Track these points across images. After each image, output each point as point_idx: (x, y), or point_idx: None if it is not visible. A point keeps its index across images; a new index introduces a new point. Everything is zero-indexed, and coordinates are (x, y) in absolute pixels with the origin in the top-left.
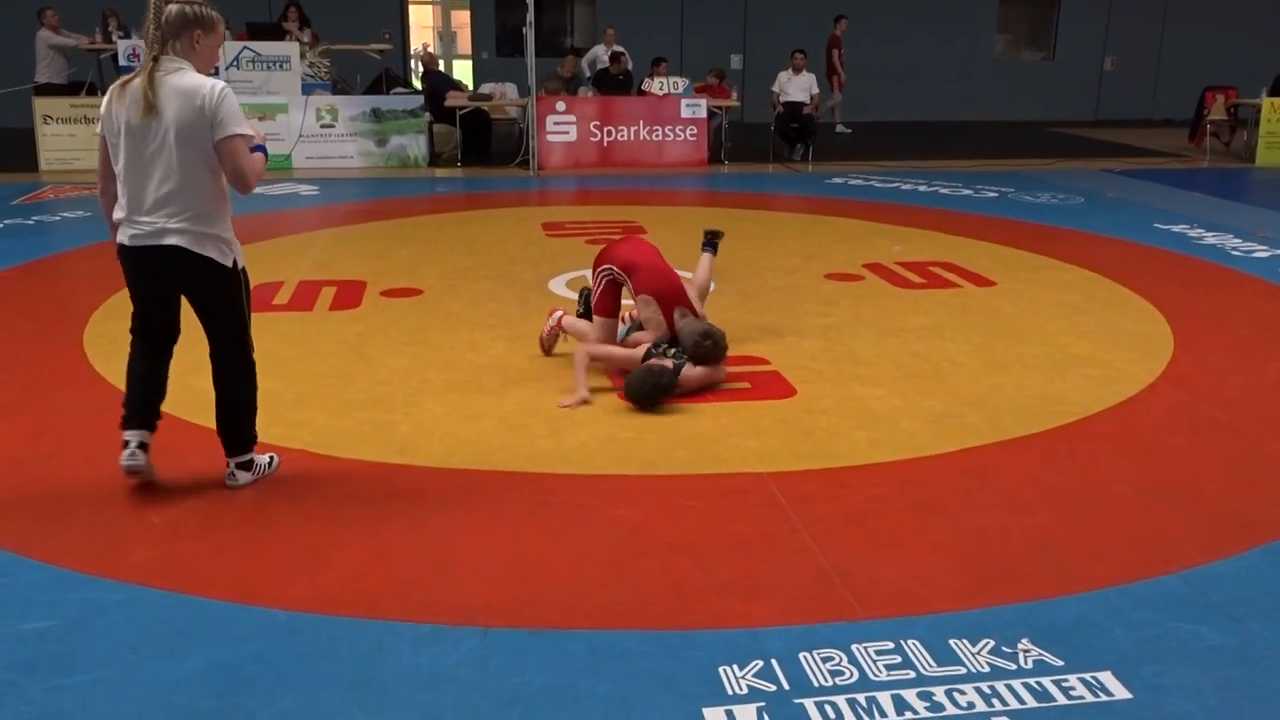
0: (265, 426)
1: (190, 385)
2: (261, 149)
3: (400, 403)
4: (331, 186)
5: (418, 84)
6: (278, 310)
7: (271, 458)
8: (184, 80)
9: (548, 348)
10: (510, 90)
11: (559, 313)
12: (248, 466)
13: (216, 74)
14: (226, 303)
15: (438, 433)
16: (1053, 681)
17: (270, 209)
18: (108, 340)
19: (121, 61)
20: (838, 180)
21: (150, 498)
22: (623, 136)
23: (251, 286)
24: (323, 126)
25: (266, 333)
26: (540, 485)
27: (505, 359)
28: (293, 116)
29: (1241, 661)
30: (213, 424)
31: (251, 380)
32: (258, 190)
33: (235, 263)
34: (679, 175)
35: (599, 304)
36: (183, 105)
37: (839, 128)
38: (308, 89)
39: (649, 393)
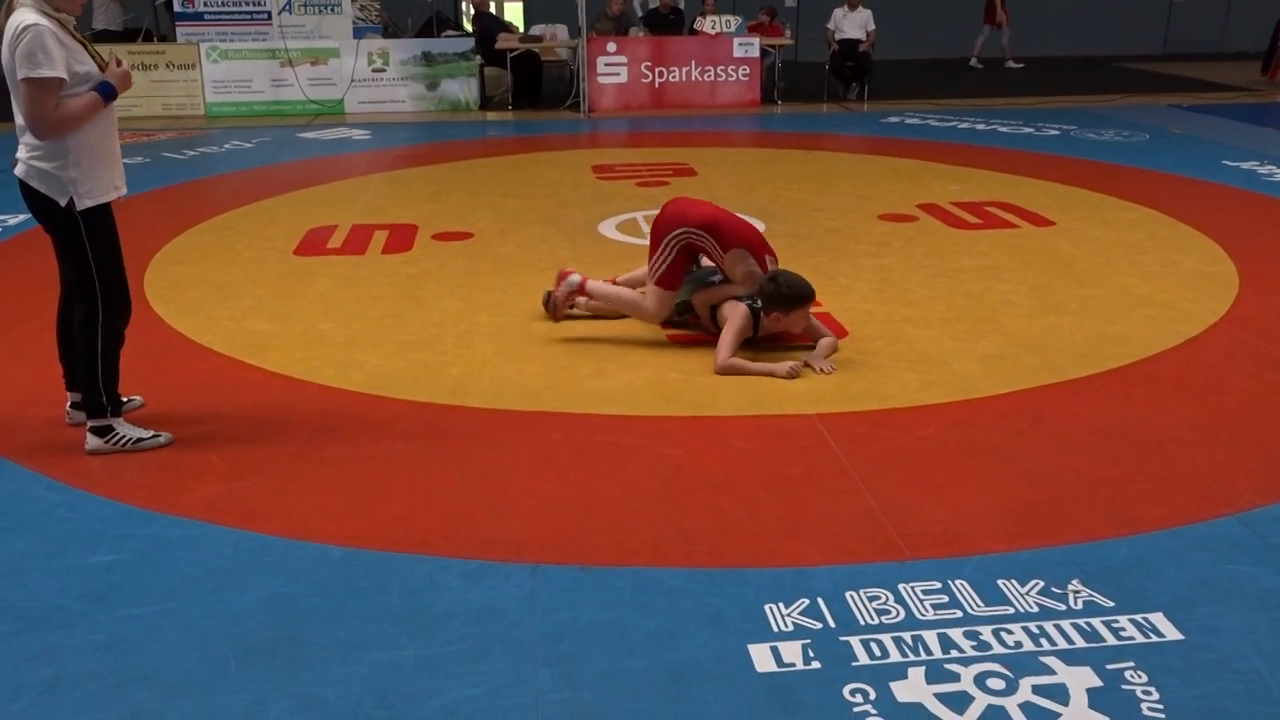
0: (319, 367)
1: (246, 328)
2: (103, 88)
3: (451, 345)
4: (383, 131)
5: (469, 26)
6: (331, 254)
7: (141, 438)
8: (12, 18)
9: (558, 311)
10: (561, 32)
11: (576, 275)
12: (101, 432)
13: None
14: (64, 244)
15: (487, 374)
16: (1102, 622)
17: (323, 154)
18: (166, 284)
19: (176, 7)
20: (894, 119)
21: (210, 438)
22: (674, 78)
23: (306, 229)
24: (374, 71)
25: (321, 276)
26: (587, 425)
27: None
28: (344, 61)
29: None
30: (267, 365)
31: (91, 337)
32: (310, 135)
33: (72, 203)
34: (731, 116)
35: (669, 274)
36: (5, 44)
37: (1009, 63)
38: (359, 32)
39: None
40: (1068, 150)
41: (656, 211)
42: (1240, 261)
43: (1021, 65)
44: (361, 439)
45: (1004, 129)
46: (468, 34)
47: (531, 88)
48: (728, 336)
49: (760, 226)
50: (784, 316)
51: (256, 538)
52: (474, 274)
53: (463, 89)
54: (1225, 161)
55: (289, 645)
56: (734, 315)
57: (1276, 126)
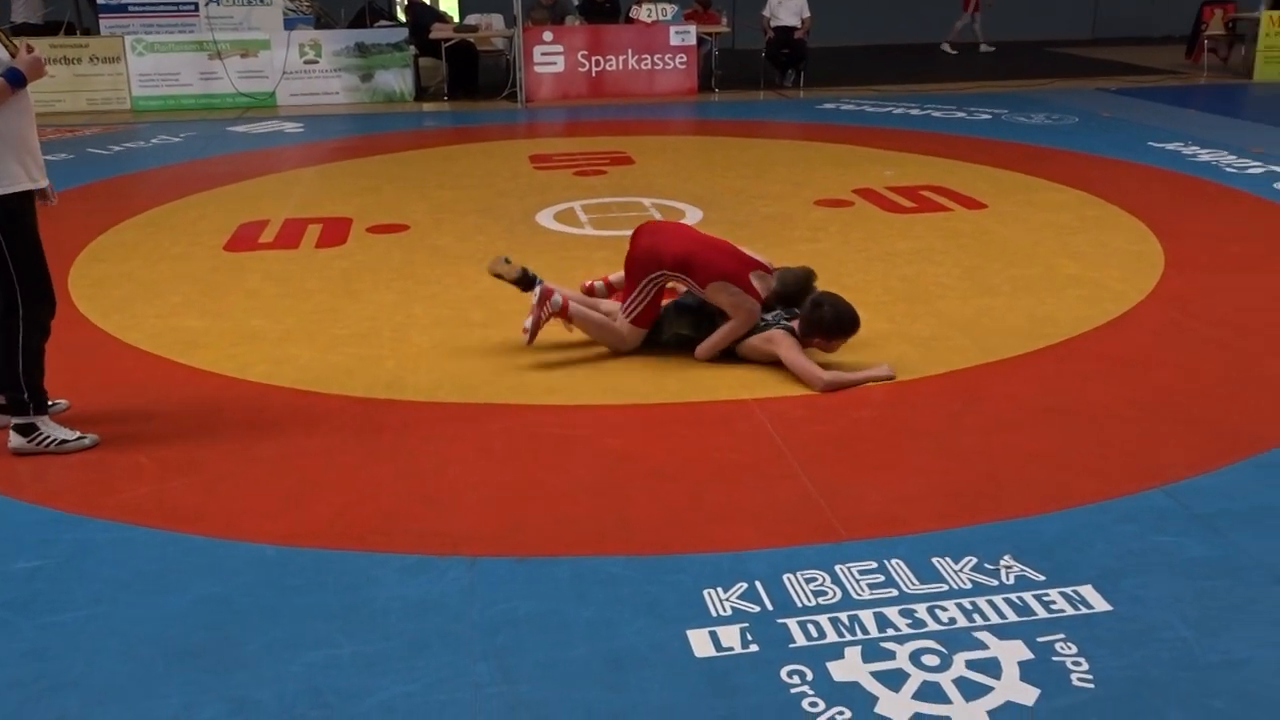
0: (251, 364)
1: (174, 326)
2: (10, 74)
3: (387, 338)
4: (316, 123)
5: (402, 16)
6: (263, 249)
7: (66, 440)
8: None
9: (534, 334)
10: (496, 21)
11: (559, 295)
12: (24, 431)
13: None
14: None
15: (424, 367)
16: (1034, 596)
17: (254, 147)
18: (90, 282)
19: (100, 0)
20: (829, 105)
21: (138, 438)
22: (612, 66)
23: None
24: (306, 62)
25: (252, 271)
26: (527, 416)
27: (492, 292)
28: (275, 53)
29: (1223, 573)
30: (196, 363)
31: (11, 329)
32: (241, 128)
33: None
34: (669, 104)
35: (644, 315)
36: None
37: (983, 47)
38: (290, 24)
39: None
40: (999, 134)
41: (595, 201)
42: (1166, 240)
43: (993, 49)
44: (295, 435)
45: (937, 114)
46: (401, 24)
47: (467, 78)
48: (799, 364)
49: (698, 215)
50: (825, 344)
51: (187, 539)
52: (410, 266)
53: (397, 80)
54: (1151, 143)
55: (221, 647)
56: (784, 347)
57: (1200, 108)
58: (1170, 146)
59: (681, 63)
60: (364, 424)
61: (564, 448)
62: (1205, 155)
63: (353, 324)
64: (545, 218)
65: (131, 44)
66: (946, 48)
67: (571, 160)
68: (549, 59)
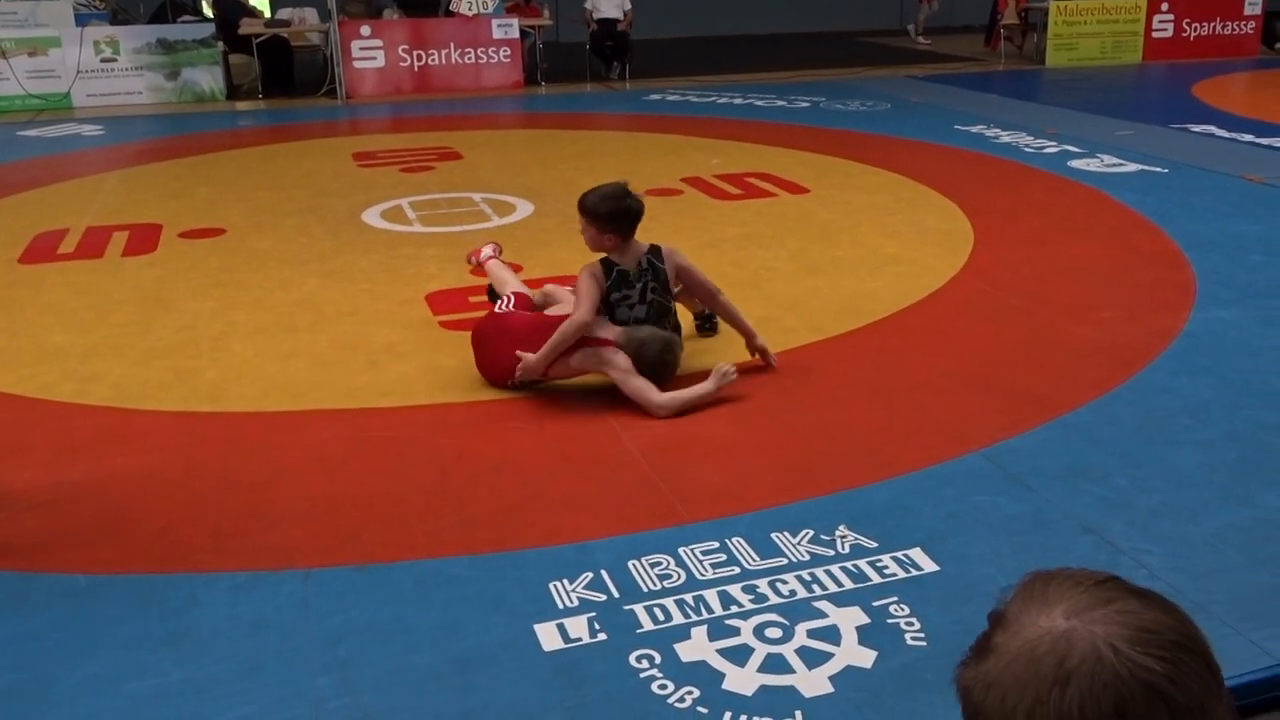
0: (55, 383)
1: None
2: None
3: (206, 347)
4: (119, 125)
5: (208, 11)
6: (63, 259)
7: None
8: None
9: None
10: (310, 15)
11: (489, 249)
12: None
13: None
14: None
15: (248, 375)
16: (868, 563)
17: (49, 152)
18: None
19: None
20: (655, 97)
21: None
22: (435, 60)
23: (32, 235)
24: (103, 61)
25: (51, 285)
26: (360, 420)
27: (318, 295)
28: (67, 51)
29: (1036, 527)
30: None
31: None
32: (32, 132)
33: None
34: (496, 98)
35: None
36: None
37: (921, 39)
38: (82, 19)
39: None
40: (818, 121)
41: (423, 197)
42: (974, 217)
43: (929, 44)
44: (108, 456)
45: (759, 103)
46: (207, 19)
47: (282, 75)
48: (634, 387)
49: (529, 208)
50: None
51: None
52: (228, 272)
53: (206, 78)
54: (957, 126)
55: (32, 688)
56: (618, 369)
57: (999, 93)
58: (974, 129)
59: (506, 56)
60: (184, 439)
61: (399, 450)
62: (1006, 137)
63: (167, 335)
64: (372, 216)
65: None
66: (918, 38)
67: (397, 157)
68: (368, 54)
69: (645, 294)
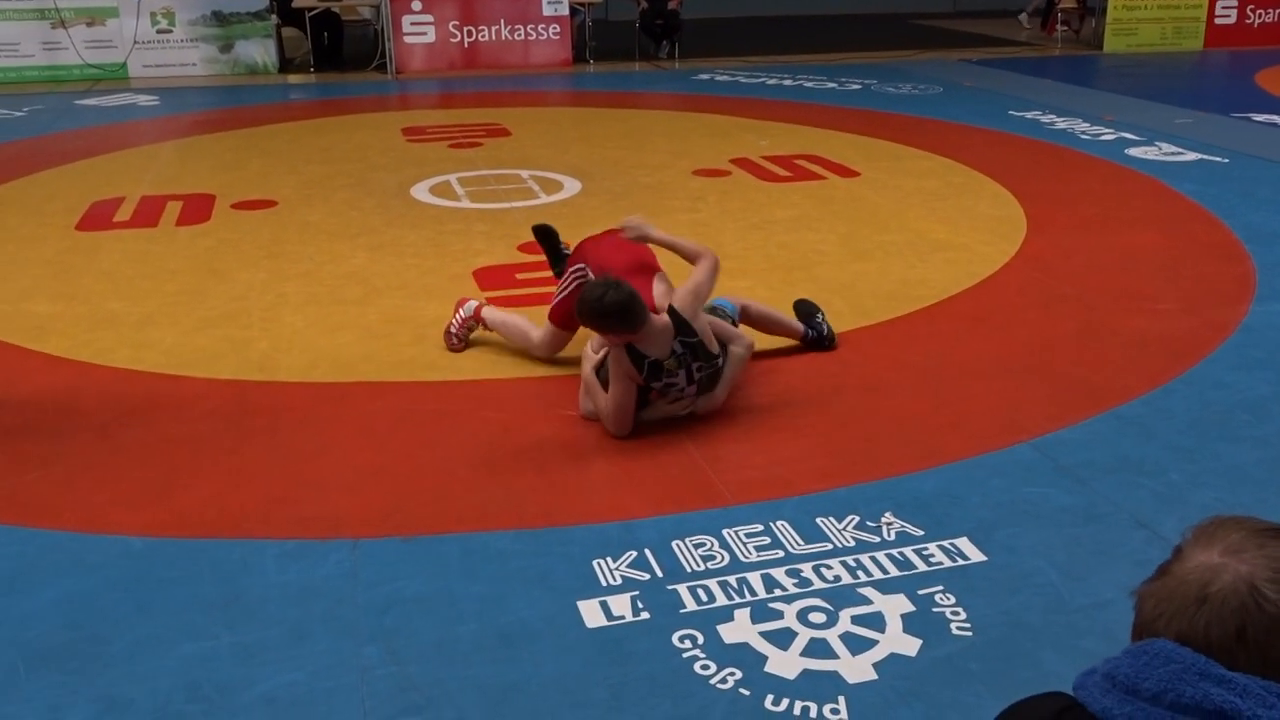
0: (110, 349)
1: (24, 310)
2: None
3: (257, 318)
4: (173, 96)
5: None
6: (119, 228)
7: None
8: None
9: (457, 344)
10: None
11: (473, 303)
12: None
13: None
14: None
15: (298, 346)
16: (914, 551)
17: (106, 121)
18: None
19: None
20: (704, 76)
21: None
22: (484, 37)
23: (89, 203)
24: (159, 32)
25: (108, 252)
26: (407, 393)
27: (367, 268)
28: (124, 21)
29: (1087, 520)
30: (49, 350)
31: None
32: (90, 101)
33: None
34: (544, 76)
35: (557, 310)
36: None
37: (1026, 25)
38: None
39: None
40: (869, 104)
41: (472, 173)
42: (1027, 204)
43: (1030, 29)
44: (161, 422)
45: (809, 84)
46: None
47: (334, 49)
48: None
49: (577, 186)
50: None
51: (45, 534)
52: (279, 244)
53: (259, 51)
54: (1011, 112)
55: (87, 646)
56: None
57: (1055, 78)
58: (1029, 115)
59: (555, 33)
60: (235, 407)
61: (446, 424)
62: (1061, 123)
63: (220, 305)
64: (421, 191)
65: None
66: (1023, 20)
67: (446, 132)
68: (419, 29)
69: (693, 376)
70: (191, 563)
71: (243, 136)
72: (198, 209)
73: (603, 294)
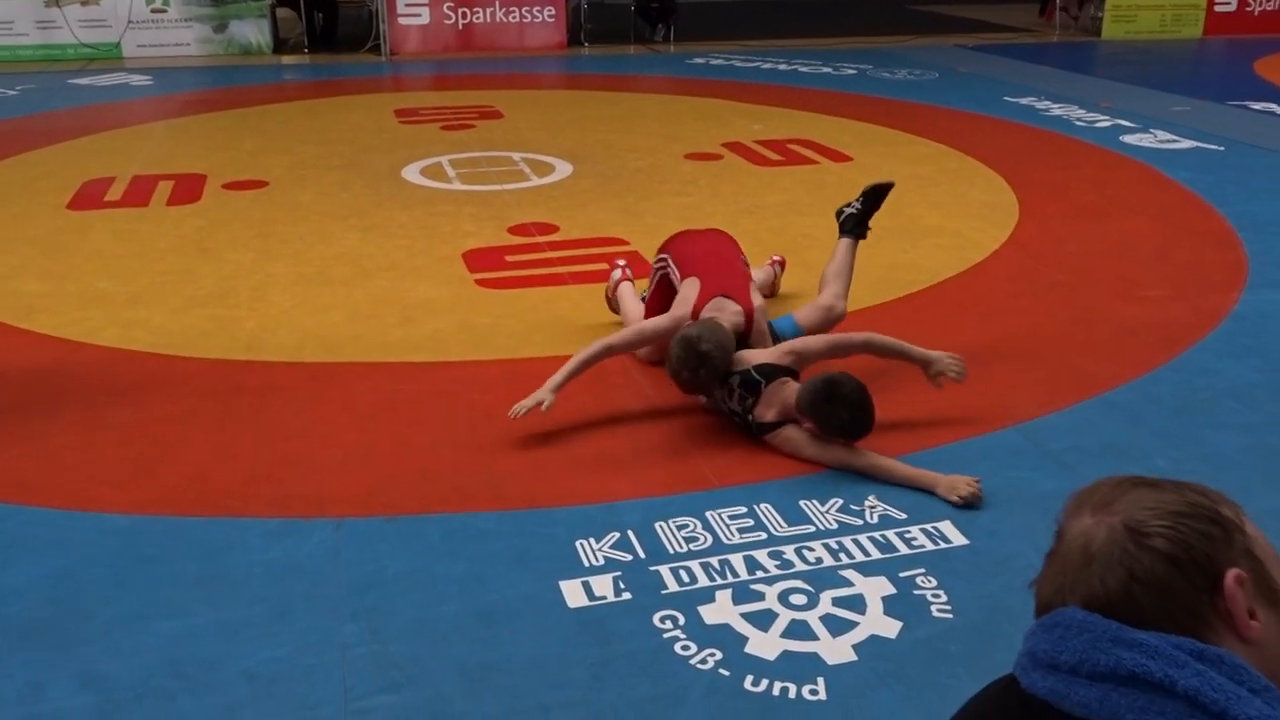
0: (99, 328)
1: (13, 289)
2: None
3: (245, 297)
4: (166, 76)
5: None
6: (110, 207)
7: None
8: None
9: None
10: None
11: (619, 269)
12: None
13: None
14: None
15: (286, 326)
16: (896, 534)
17: (99, 101)
18: None
19: None
20: (699, 60)
21: None
22: (479, 19)
23: (81, 182)
24: (154, 11)
25: (98, 231)
26: (394, 374)
27: (357, 249)
28: (119, 1)
29: None
30: (38, 328)
31: None
32: (84, 80)
33: None
34: (538, 58)
35: (650, 304)
36: None
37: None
38: None
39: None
40: (864, 89)
41: (463, 155)
42: (1020, 190)
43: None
44: (148, 400)
45: (804, 69)
46: None
47: (327, 30)
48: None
49: (568, 169)
50: (815, 430)
51: (28, 511)
52: (269, 224)
53: (254, 31)
54: (1006, 98)
55: (68, 621)
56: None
57: (1051, 64)
58: (1024, 101)
59: (550, 16)
60: (222, 387)
61: (432, 405)
62: (1057, 110)
63: (209, 284)
64: (412, 173)
65: None
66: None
67: (439, 114)
68: (413, 10)
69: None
70: (174, 540)
71: (235, 117)
72: (189, 189)
73: (850, 385)
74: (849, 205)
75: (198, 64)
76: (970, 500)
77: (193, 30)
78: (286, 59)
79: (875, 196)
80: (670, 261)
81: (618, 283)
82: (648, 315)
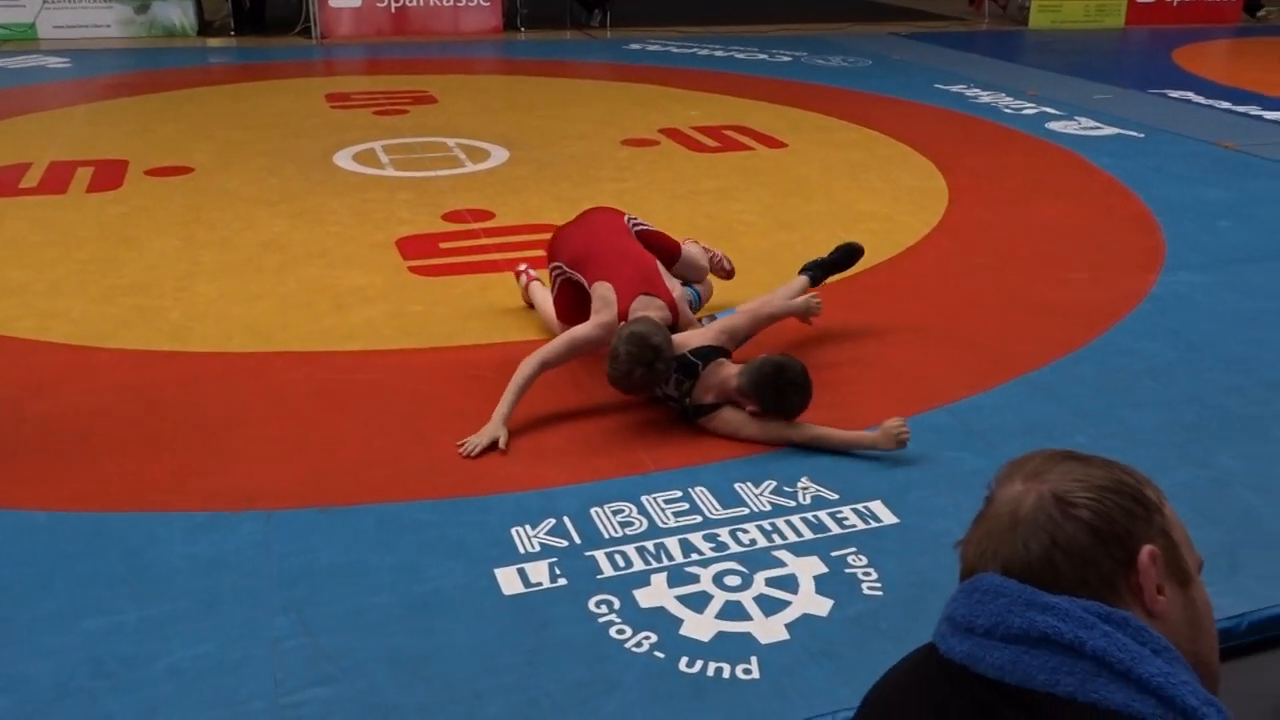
0: (14, 319)
1: None
2: None
3: (170, 287)
4: (85, 58)
5: None
6: (25, 194)
7: None
8: None
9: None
10: None
11: (523, 274)
12: None
13: None
14: None
15: (213, 316)
16: (828, 514)
17: (12, 84)
18: None
19: None
20: (635, 46)
21: None
22: (413, 2)
23: None
24: None
25: (12, 219)
26: (325, 364)
27: (287, 236)
28: None
29: None
30: None
31: None
32: None
33: None
34: (474, 43)
35: (559, 304)
36: None
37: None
38: None
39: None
40: (798, 76)
41: (397, 141)
42: (949, 176)
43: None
44: (67, 393)
45: (740, 55)
46: None
47: (255, 12)
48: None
49: (504, 155)
50: (757, 410)
51: None
52: (194, 211)
53: (177, 12)
54: (937, 85)
55: None
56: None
57: (980, 53)
58: (954, 89)
59: (485, 0)
60: (146, 378)
61: (364, 394)
62: (986, 97)
63: (131, 273)
64: (344, 159)
65: None
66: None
67: (371, 99)
68: None
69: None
70: (97, 537)
71: (158, 101)
72: (109, 175)
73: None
74: (821, 257)
75: (118, 46)
76: (902, 438)
77: (113, 11)
78: (212, 42)
79: (848, 257)
80: (566, 268)
81: (525, 286)
82: (559, 315)
